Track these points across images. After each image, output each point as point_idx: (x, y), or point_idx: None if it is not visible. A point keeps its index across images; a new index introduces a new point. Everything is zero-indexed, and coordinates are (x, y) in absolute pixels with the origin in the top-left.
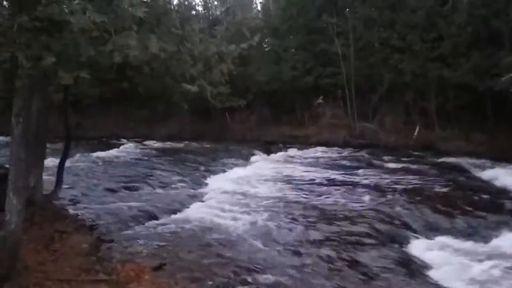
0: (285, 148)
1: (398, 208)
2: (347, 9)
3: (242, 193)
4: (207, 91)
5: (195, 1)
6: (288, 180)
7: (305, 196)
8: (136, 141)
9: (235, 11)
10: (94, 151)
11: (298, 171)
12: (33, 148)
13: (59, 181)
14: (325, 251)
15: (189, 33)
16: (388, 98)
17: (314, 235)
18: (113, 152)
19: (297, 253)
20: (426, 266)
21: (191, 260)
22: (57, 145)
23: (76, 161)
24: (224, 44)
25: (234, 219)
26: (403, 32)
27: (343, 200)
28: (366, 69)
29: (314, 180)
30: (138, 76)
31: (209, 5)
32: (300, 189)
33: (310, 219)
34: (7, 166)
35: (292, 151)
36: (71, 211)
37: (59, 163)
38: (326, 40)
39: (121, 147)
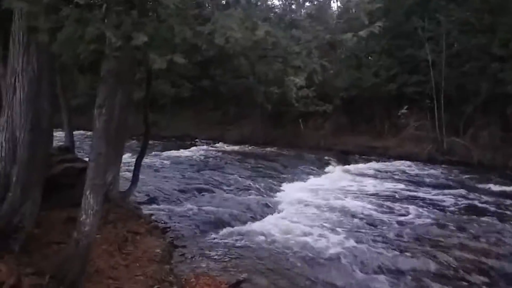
0: (363, 159)
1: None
2: (439, 12)
3: (321, 206)
4: (292, 92)
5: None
6: (371, 195)
7: (392, 215)
8: (207, 143)
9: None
10: (167, 150)
11: (380, 186)
12: (113, 143)
13: (134, 179)
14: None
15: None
16: (483, 111)
17: (410, 263)
18: (185, 152)
19: (395, 284)
20: None
21: (271, 281)
22: (129, 143)
23: (148, 159)
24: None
25: (316, 235)
26: (505, 38)
27: (438, 224)
28: (459, 78)
29: (399, 197)
30: (222, 74)
31: (287, 8)
32: (385, 206)
33: (401, 243)
34: (86, 159)
35: (371, 163)
36: (144, 211)
37: (136, 160)
38: (413, 45)
39: (193, 148)
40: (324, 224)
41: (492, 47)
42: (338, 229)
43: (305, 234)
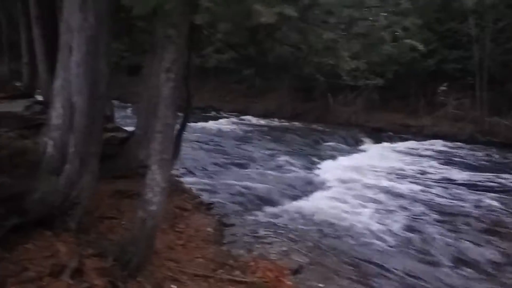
0: (397, 137)
1: None
2: None
3: (366, 185)
4: (346, 64)
5: None
6: (414, 176)
7: (444, 198)
8: (232, 115)
9: None
10: (196, 122)
11: (422, 166)
12: (156, 112)
13: (176, 151)
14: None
15: None
16: None
17: (476, 252)
18: (213, 124)
19: (464, 276)
20: None
21: (330, 266)
22: None
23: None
24: None
25: (366, 217)
26: None
27: (493, 209)
28: (504, 55)
29: (447, 179)
30: (270, 41)
31: None
32: (433, 188)
33: (462, 229)
34: (126, 129)
35: (407, 142)
36: (186, 185)
37: (178, 131)
38: (455, 19)
39: (221, 120)
40: (376, 205)
41: None
42: (392, 211)
43: (354, 214)
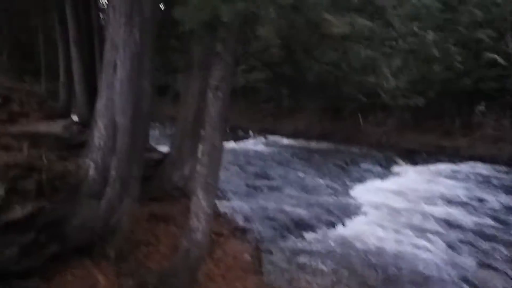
0: (431, 159)
1: None
2: None
3: (406, 211)
4: (388, 81)
5: None
6: (455, 200)
7: (497, 227)
8: (260, 135)
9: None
10: (226, 141)
11: (462, 190)
12: (193, 132)
13: None
14: None
15: None
16: None
17: None
18: (242, 144)
19: None
20: None
21: None
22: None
23: None
24: None
25: (414, 246)
26: None
27: None
28: None
29: (489, 203)
30: (308, 60)
31: None
32: (479, 213)
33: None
34: (160, 150)
35: (443, 164)
36: (220, 208)
37: None
38: (491, 35)
39: (250, 140)
40: (421, 233)
41: None
42: (438, 240)
43: (400, 243)
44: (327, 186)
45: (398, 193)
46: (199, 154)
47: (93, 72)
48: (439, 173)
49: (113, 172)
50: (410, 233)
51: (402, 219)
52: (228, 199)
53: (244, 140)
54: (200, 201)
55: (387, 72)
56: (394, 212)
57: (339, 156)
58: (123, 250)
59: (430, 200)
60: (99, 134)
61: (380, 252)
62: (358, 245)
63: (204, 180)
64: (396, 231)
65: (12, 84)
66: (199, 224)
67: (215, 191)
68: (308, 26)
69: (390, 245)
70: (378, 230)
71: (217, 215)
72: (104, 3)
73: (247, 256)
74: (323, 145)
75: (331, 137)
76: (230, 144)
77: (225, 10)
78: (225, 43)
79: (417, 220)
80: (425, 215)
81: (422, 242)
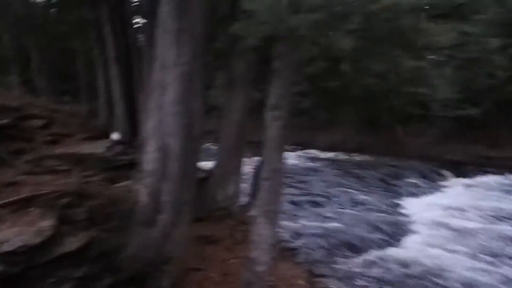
0: (479, 171)
1: None
2: None
3: (462, 229)
4: (440, 92)
5: None
6: None
7: None
8: (296, 149)
9: None
10: (257, 156)
11: None
12: (236, 150)
13: (255, 191)
14: None
15: None
16: None
17: None
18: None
19: None
20: None
21: None
22: None
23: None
24: None
25: (481, 270)
26: None
27: None
28: None
29: None
30: (355, 72)
31: None
32: None
33: None
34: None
35: (491, 176)
36: None
37: (256, 169)
38: None
39: (286, 154)
40: (480, 253)
41: None
42: (501, 261)
43: (461, 265)
44: (373, 201)
45: (449, 208)
46: (258, 176)
47: (132, 91)
48: (491, 186)
49: (166, 198)
50: (464, 251)
51: (455, 237)
52: None
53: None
54: (261, 230)
55: (438, 82)
56: (446, 229)
57: (380, 169)
58: (177, 279)
59: (482, 215)
60: (150, 158)
61: (436, 272)
62: (414, 268)
63: (266, 207)
64: (450, 250)
65: (54, 105)
66: (261, 255)
67: (276, 218)
68: (390, 36)
69: (445, 266)
70: (432, 250)
71: None
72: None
73: (301, 282)
74: (362, 157)
75: (369, 149)
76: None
77: (296, 21)
78: (285, 58)
79: (468, 237)
80: (479, 232)
81: (475, 262)
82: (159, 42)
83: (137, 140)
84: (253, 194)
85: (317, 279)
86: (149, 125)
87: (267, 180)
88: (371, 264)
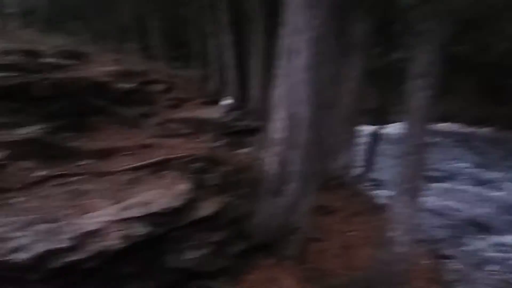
0: None
1: None
2: None
3: None
4: None
5: None
6: None
7: None
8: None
9: None
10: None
11: None
12: (350, 120)
13: (369, 163)
14: None
15: None
16: None
17: None
18: (388, 129)
19: None
20: None
21: None
22: None
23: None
24: None
25: None
26: None
27: None
28: None
29: None
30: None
31: None
32: None
33: None
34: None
35: None
36: (380, 201)
37: (371, 141)
38: None
39: (394, 124)
40: None
41: None
42: None
43: None
44: (502, 179)
45: None
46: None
47: (244, 59)
48: None
49: (294, 168)
50: None
51: None
52: (388, 191)
53: (387, 125)
54: (403, 208)
55: None
56: None
57: (507, 144)
58: (302, 249)
59: None
60: (278, 126)
61: None
62: None
63: (407, 184)
64: None
65: (172, 71)
66: (402, 234)
67: (419, 196)
68: None
69: None
70: None
71: (378, 208)
72: None
73: (426, 263)
74: (482, 131)
75: (490, 122)
76: (372, 128)
77: None
78: (439, 20)
79: None
80: None
81: None
82: (289, 6)
83: (247, 106)
84: (367, 165)
85: (444, 262)
86: (277, 92)
87: (409, 155)
88: (506, 247)
